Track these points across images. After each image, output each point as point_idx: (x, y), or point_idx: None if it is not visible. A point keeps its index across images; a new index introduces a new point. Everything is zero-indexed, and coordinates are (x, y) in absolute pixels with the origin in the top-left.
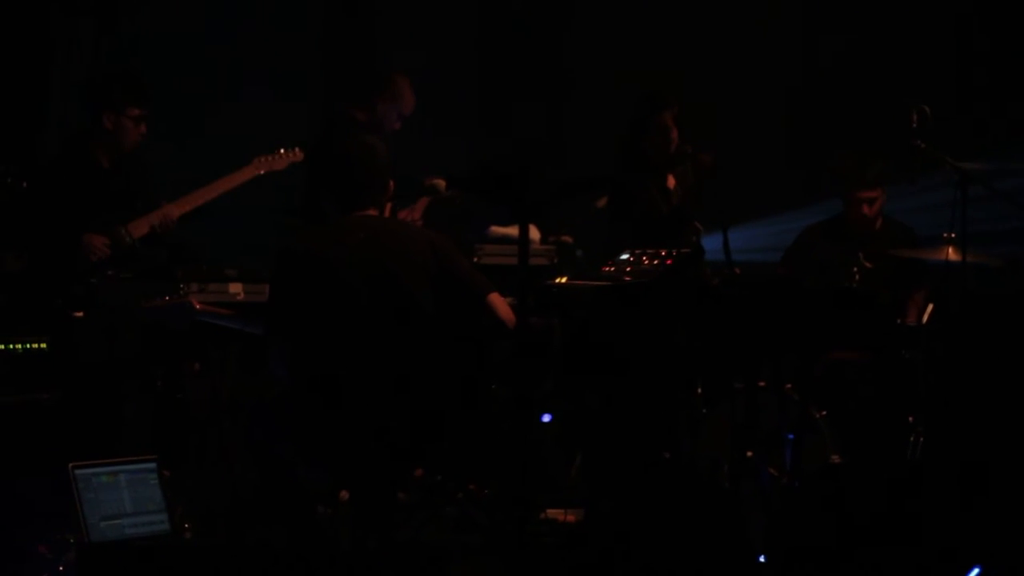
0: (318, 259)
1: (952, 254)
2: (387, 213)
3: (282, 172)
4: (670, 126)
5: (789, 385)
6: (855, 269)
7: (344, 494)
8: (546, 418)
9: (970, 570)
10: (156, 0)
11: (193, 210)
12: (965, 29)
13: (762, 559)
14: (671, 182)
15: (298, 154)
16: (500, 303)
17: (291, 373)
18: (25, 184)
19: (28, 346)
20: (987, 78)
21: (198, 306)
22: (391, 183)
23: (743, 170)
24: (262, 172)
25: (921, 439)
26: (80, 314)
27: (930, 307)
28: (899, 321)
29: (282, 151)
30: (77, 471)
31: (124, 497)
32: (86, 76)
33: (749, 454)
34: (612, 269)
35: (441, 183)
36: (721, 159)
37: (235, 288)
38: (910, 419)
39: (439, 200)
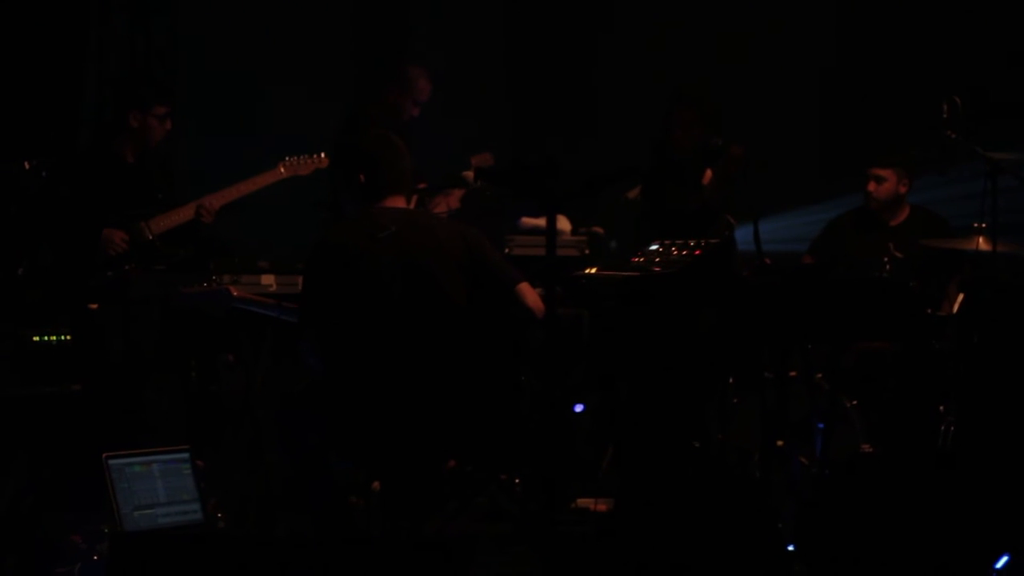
0: (352, 252)
1: (983, 244)
2: (413, 205)
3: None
4: (694, 120)
5: (819, 375)
6: (885, 259)
7: (376, 485)
8: (579, 408)
9: (999, 558)
10: None
11: (222, 207)
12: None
13: (791, 548)
14: (707, 176)
15: (323, 160)
16: (530, 293)
17: (330, 365)
18: (45, 174)
19: (61, 338)
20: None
21: (235, 293)
22: (415, 174)
23: (776, 162)
24: (287, 175)
25: (952, 429)
26: (95, 306)
27: (960, 297)
28: (930, 311)
29: (308, 156)
30: (111, 461)
31: (158, 487)
32: (120, 73)
33: (779, 444)
34: (641, 260)
35: (469, 175)
36: (753, 151)
37: (267, 280)
38: (941, 409)
39: (471, 191)
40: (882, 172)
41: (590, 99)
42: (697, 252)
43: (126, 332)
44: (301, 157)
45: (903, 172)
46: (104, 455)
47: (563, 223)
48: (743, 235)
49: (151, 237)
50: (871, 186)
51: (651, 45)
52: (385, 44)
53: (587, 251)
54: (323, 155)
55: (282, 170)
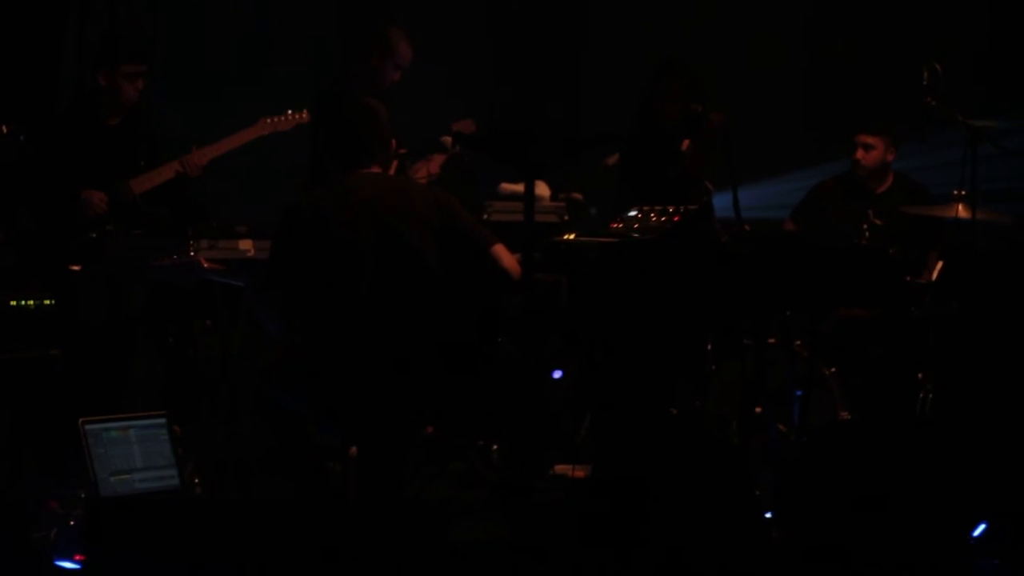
0: (325, 216)
1: (962, 211)
2: (393, 170)
3: (289, 132)
4: (679, 90)
5: (798, 342)
6: (864, 226)
7: (353, 450)
8: (556, 375)
9: (976, 526)
10: None
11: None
12: None
13: (769, 515)
14: (685, 144)
15: (304, 116)
16: (504, 253)
17: (290, 328)
18: (22, 138)
19: (41, 302)
20: (1004, 38)
21: (206, 264)
22: (393, 142)
23: (758, 129)
24: (267, 133)
25: (930, 396)
26: (78, 268)
27: (939, 264)
28: (909, 278)
29: (288, 113)
30: (87, 426)
31: (134, 452)
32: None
33: (758, 410)
34: (620, 226)
35: (448, 140)
36: (734, 118)
37: (245, 245)
38: (919, 376)
39: (452, 156)
40: (870, 139)
41: (574, 65)
42: (676, 218)
43: (109, 295)
44: (281, 115)
45: (891, 140)
46: (81, 420)
47: (542, 189)
48: (723, 201)
49: (132, 196)
50: (859, 153)
51: (637, 13)
52: (368, 8)
53: (566, 217)
54: (304, 112)
55: (262, 128)
